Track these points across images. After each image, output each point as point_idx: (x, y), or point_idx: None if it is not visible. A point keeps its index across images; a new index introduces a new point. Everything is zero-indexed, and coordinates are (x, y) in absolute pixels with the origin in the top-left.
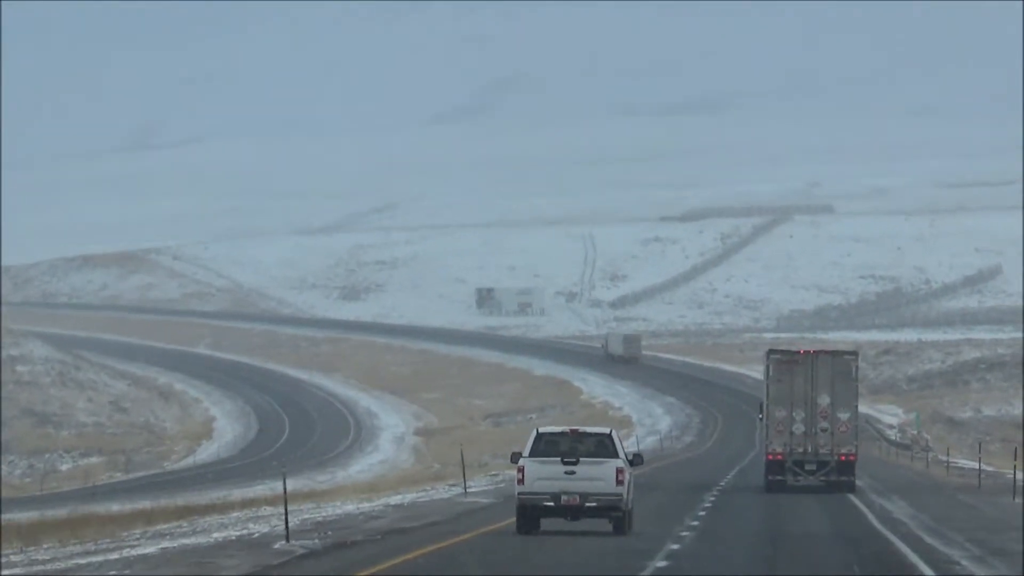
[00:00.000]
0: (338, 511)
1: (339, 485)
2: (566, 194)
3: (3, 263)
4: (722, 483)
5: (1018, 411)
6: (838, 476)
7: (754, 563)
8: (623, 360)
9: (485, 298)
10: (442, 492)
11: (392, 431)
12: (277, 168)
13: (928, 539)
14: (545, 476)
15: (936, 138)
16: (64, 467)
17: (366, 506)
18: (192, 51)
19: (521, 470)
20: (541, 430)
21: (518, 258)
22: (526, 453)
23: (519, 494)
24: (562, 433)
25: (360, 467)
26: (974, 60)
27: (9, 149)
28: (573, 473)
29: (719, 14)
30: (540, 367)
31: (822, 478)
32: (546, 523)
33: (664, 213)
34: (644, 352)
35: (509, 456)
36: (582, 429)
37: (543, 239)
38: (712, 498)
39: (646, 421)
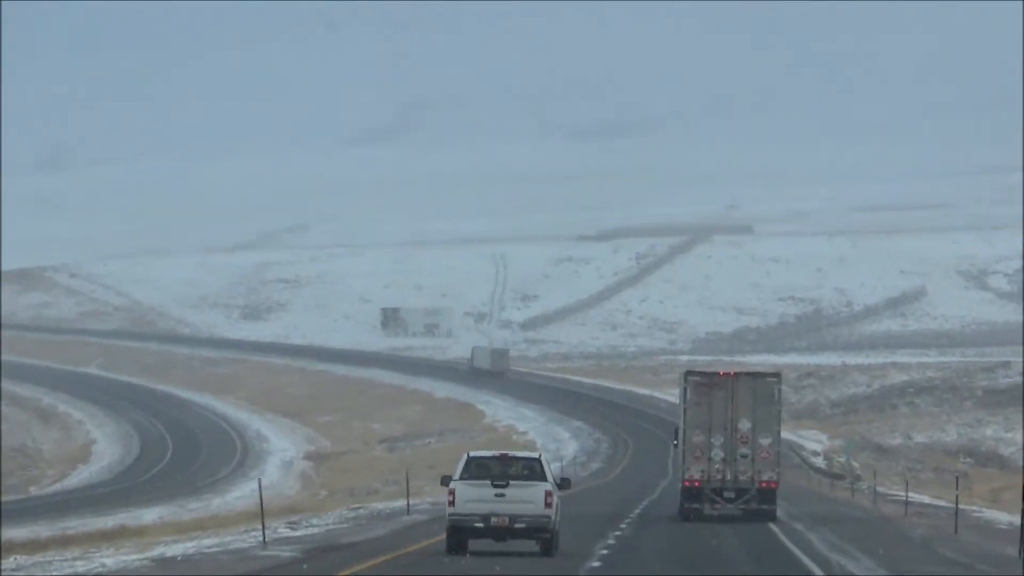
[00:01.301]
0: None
1: (212, 514)
2: (481, 215)
3: None
4: (631, 515)
5: (950, 438)
6: (758, 505)
7: None
8: (490, 374)
9: (391, 318)
10: (239, 540)
11: (281, 456)
12: (192, 188)
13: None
14: (475, 498)
15: (856, 161)
16: None
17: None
18: (105, 70)
19: (452, 492)
20: (472, 454)
21: (426, 278)
22: (456, 476)
23: (450, 515)
24: (492, 457)
25: (240, 493)
26: (893, 82)
27: None
28: (503, 496)
29: (639, 37)
30: (443, 389)
31: (741, 507)
32: (474, 544)
33: (579, 232)
34: (553, 374)
35: (399, 481)
36: (512, 453)
37: (453, 258)
38: (617, 534)
39: (551, 446)
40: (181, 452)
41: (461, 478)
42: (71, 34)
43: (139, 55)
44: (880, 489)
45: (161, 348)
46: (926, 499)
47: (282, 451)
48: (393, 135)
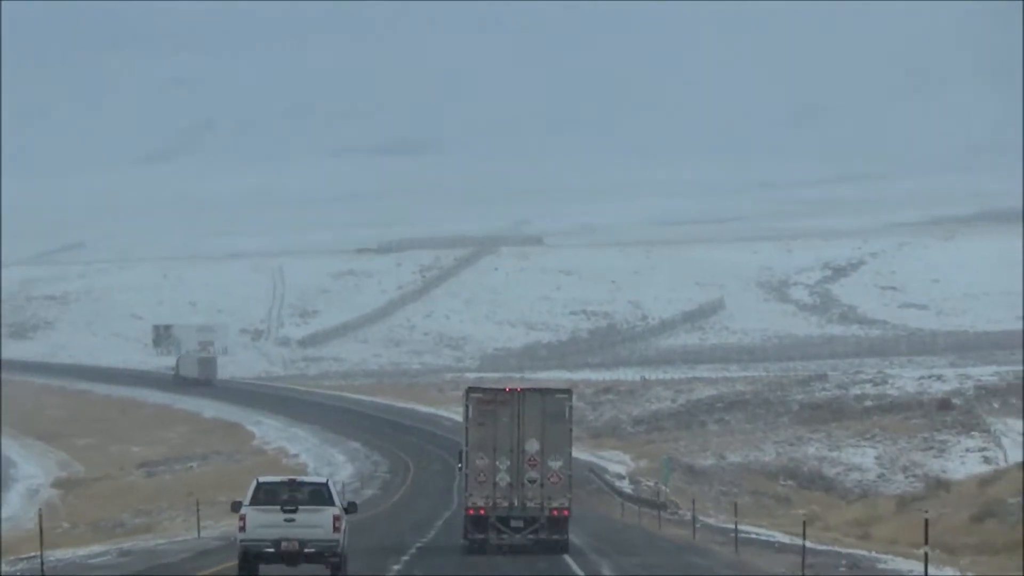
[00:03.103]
0: None
1: None
2: (260, 232)
3: None
4: (413, 548)
5: (768, 457)
6: (548, 534)
7: None
8: (196, 382)
9: (163, 336)
10: None
11: (28, 483)
12: None
13: None
14: (265, 524)
15: (650, 178)
16: None
17: None
18: None
19: (243, 518)
20: (261, 480)
21: (201, 294)
22: (247, 502)
23: (241, 541)
24: (281, 483)
25: None
26: (687, 103)
27: None
28: (292, 520)
29: (427, 57)
30: (211, 409)
31: (530, 537)
32: (265, 568)
33: (359, 244)
34: (331, 391)
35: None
36: (300, 479)
37: (229, 274)
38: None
39: (324, 470)
40: None
41: (251, 504)
42: None
43: None
44: (706, 519)
45: None
46: (762, 531)
47: (30, 477)
48: (174, 156)
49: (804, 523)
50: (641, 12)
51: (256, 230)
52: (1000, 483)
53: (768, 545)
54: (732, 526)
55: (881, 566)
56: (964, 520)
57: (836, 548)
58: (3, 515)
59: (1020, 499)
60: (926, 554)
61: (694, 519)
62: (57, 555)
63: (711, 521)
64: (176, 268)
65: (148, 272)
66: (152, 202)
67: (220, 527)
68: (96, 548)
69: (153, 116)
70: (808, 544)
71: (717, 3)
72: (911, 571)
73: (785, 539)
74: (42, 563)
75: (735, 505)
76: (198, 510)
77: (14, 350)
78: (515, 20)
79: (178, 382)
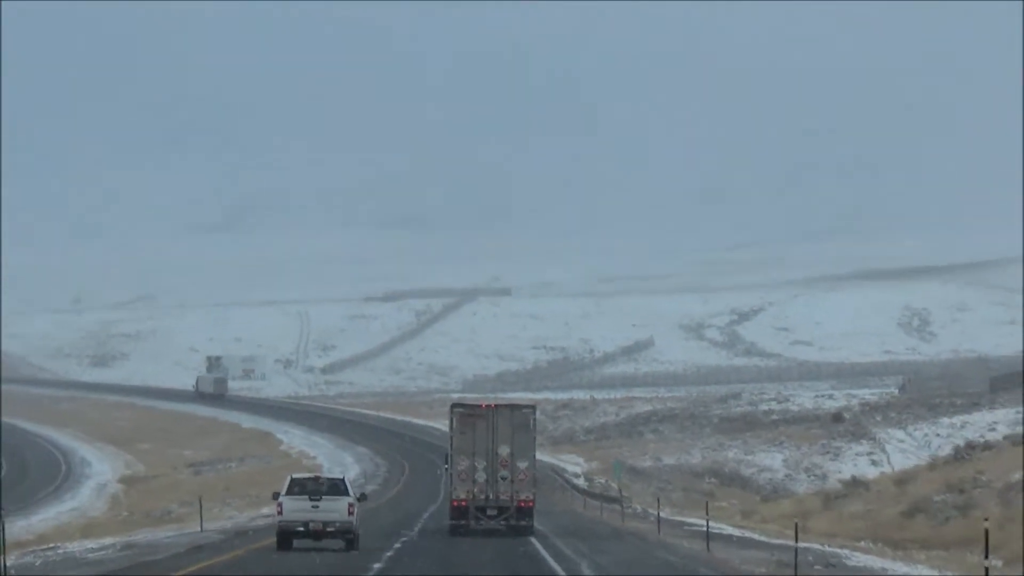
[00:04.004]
0: None
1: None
2: (292, 286)
3: None
4: (409, 531)
5: (696, 460)
6: (517, 520)
7: None
8: (212, 396)
9: (214, 364)
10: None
11: (98, 479)
12: (57, 266)
13: None
14: (297, 509)
15: (594, 245)
16: None
17: None
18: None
19: (280, 505)
20: (294, 476)
21: (244, 332)
22: (283, 492)
23: (279, 522)
24: (309, 478)
25: (45, 516)
26: (623, 185)
27: None
28: (317, 507)
29: (418, 154)
30: (249, 421)
31: (502, 522)
32: (297, 543)
33: (368, 294)
34: (345, 408)
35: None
36: (323, 475)
37: (266, 317)
38: (397, 545)
39: (336, 470)
40: (11, 476)
41: (287, 494)
42: None
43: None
44: (650, 511)
45: (20, 389)
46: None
47: (100, 474)
48: (224, 227)
49: (796, 525)
50: (582, 114)
51: (287, 284)
52: (916, 482)
53: (728, 539)
54: (681, 519)
55: (851, 563)
56: (895, 516)
57: (792, 543)
58: (73, 504)
59: (946, 496)
60: (987, 569)
61: (659, 518)
62: (72, 547)
63: (663, 514)
64: (225, 312)
65: (202, 315)
66: (206, 261)
67: (244, 515)
68: (107, 540)
69: (208, 196)
70: (761, 538)
71: (638, 117)
72: (886, 570)
73: (735, 532)
74: (4, 566)
75: (706, 505)
76: (201, 507)
77: (96, 375)
78: (484, 129)
79: (197, 396)
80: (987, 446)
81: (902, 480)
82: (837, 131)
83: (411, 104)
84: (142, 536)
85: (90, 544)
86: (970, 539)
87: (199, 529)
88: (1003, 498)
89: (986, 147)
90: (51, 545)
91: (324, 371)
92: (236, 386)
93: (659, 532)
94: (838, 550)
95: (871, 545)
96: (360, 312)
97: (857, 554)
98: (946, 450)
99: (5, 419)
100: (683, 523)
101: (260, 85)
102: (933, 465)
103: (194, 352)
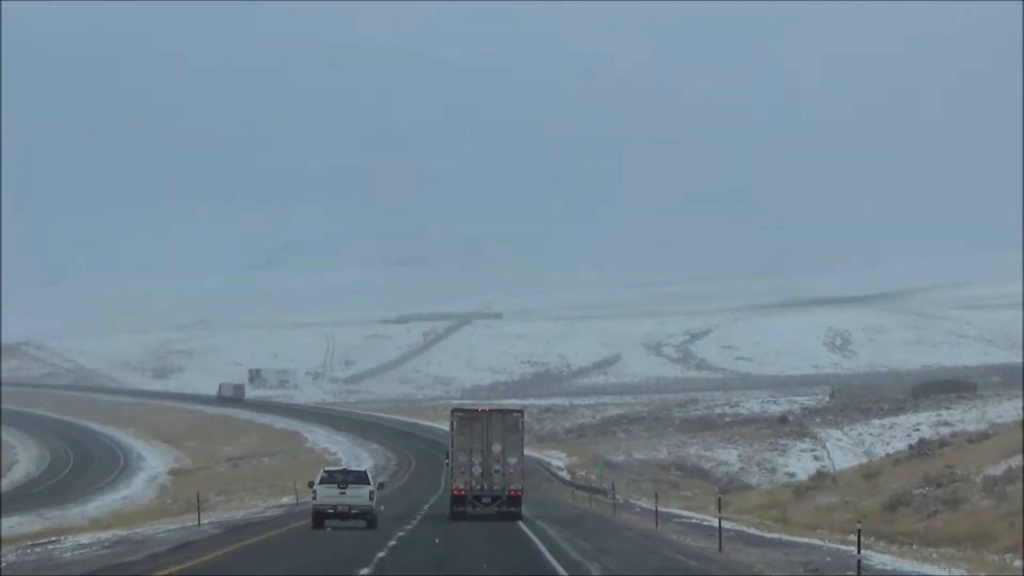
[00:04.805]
0: None
1: (63, 524)
2: (320, 312)
3: None
4: (416, 516)
5: (662, 455)
6: (508, 507)
7: None
8: (231, 400)
9: (255, 376)
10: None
11: (151, 471)
12: (124, 301)
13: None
14: (328, 495)
15: (570, 278)
16: None
17: None
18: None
19: (314, 491)
20: (326, 468)
21: (280, 349)
22: (317, 482)
23: (313, 505)
24: (338, 470)
25: (100, 503)
26: (589, 229)
27: None
28: (344, 493)
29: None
30: (280, 423)
31: (495, 509)
32: (329, 522)
33: (383, 318)
34: (363, 412)
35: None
36: (348, 467)
37: (298, 337)
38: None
39: (352, 463)
40: (77, 468)
41: (320, 483)
42: None
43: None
44: (632, 500)
45: (92, 396)
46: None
47: (153, 467)
48: (267, 267)
49: (858, 532)
50: (560, 167)
51: (316, 310)
52: (883, 476)
53: (730, 537)
54: (664, 509)
55: (875, 563)
56: (876, 509)
57: (800, 540)
58: (127, 492)
59: (925, 490)
60: None
61: (656, 512)
62: (81, 539)
63: (643, 504)
64: (264, 333)
65: (246, 335)
66: (250, 293)
67: (264, 504)
68: (102, 535)
69: (253, 239)
70: (765, 534)
71: (605, 171)
72: (917, 571)
73: (729, 526)
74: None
75: (718, 501)
76: (199, 502)
77: (156, 385)
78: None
79: (219, 401)
80: (943, 443)
81: (869, 474)
82: (769, 185)
83: (413, 159)
84: (144, 530)
85: (84, 539)
86: (969, 534)
87: (196, 523)
88: (989, 491)
89: (897, 194)
90: (52, 540)
91: (346, 381)
92: (272, 394)
93: (657, 527)
94: (848, 548)
95: (872, 541)
96: (376, 333)
97: (872, 553)
98: (879, 448)
99: (79, 421)
100: (673, 515)
101: (294, 155)
102: (897, 460)
103: (237, 366)
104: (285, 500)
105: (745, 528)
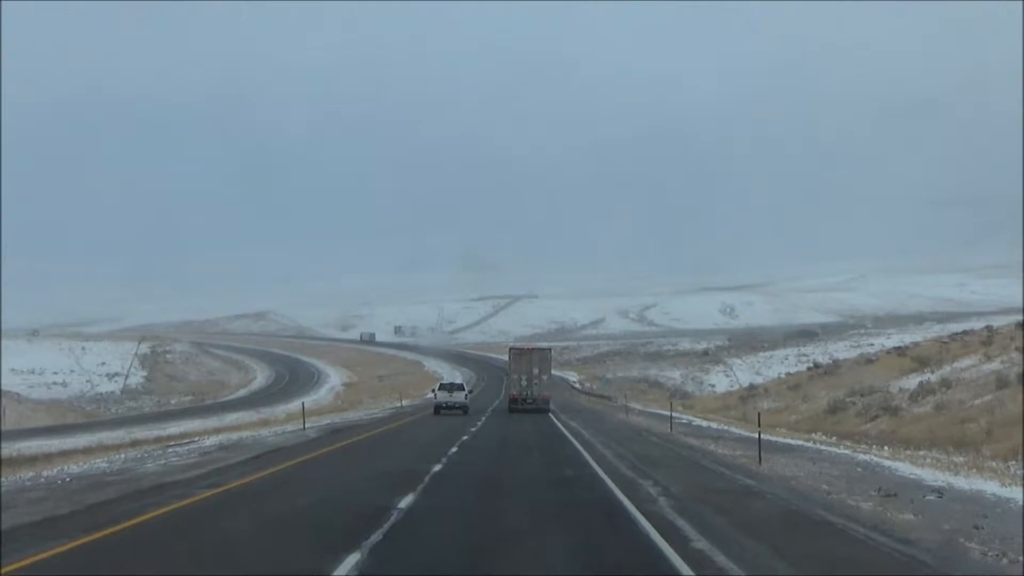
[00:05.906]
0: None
1: (270, 416)
2: (433, 293)
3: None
4: (487, 410)
5: (634, 374)
6: (541, 406)
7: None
8: (368, 341)
9: (398, 329)
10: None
11: (331, 384)
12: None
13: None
14: (442, 396)
15: (568, 276)
16: (173, 401)
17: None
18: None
19: (435, 394)
20: (442, 382)
21: (412, 315)
22: (436, 389)
23: (434, 403)
24: (447, 382)
25: (296, 403)
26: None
27: None
28: (450, 396)
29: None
30: (411, 356)
31: (534, 406)
32: (444, 412)
33: (471, 296)
34: (462, 350)
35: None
36: (453, 381)
37: (420, 308)
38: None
39: (455, 379)
40: (292, 383)
41: (438, 389)
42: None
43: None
44: (630, 404)
45: (304, 341)
46: (656, 409)
47: (333, 382)
48: (413, 266)
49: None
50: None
51: (434, 293)
52: (805, 387)
53: (738, 439)
54: (658, 411)
55: (894, 472)
56: (820, 413)
57: (831, 449)
58: (315, 397)
59: (856, 398)
60: None
61: (671, 417)
62: (206, 441)
63: (636, 405)
64: (404, 307)
65: (393, 309)
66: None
67: (393, 404)
68: (223, 438)
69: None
70: (743, 432)
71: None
72: (952, 485)
73: (714, 425)
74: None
75: (758, 414)
76: (304, 411)
77: (342, 335)
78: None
79: (360, 341)
80: (837, 364)
81: (795, 385)
82: (691, 199)
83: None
84: (262, 432)
85: (208, 442)
86: (950, 439)
87: (302, 427)
88: (915, 400)
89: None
90: (192, 439)
91: (449, 333)
92: (406, 340)
93: (671, 429)
94: (863, 456)
95: (865, 446)
96: (467, 306)
97: (885, 461)
98: (765, 371)
99: (294, 355)
100: (670, 416)
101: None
102: (811, 376)
103: (389, 324)
104: (395, 404)
105: (736, 429)
